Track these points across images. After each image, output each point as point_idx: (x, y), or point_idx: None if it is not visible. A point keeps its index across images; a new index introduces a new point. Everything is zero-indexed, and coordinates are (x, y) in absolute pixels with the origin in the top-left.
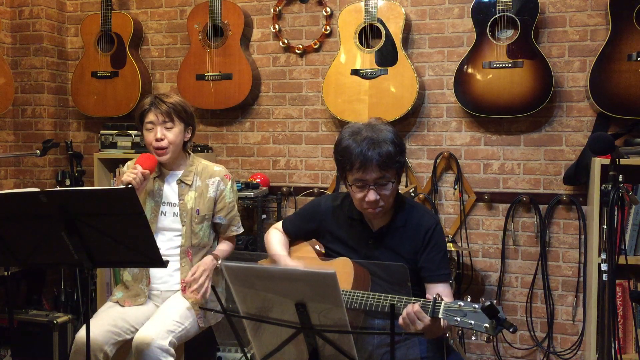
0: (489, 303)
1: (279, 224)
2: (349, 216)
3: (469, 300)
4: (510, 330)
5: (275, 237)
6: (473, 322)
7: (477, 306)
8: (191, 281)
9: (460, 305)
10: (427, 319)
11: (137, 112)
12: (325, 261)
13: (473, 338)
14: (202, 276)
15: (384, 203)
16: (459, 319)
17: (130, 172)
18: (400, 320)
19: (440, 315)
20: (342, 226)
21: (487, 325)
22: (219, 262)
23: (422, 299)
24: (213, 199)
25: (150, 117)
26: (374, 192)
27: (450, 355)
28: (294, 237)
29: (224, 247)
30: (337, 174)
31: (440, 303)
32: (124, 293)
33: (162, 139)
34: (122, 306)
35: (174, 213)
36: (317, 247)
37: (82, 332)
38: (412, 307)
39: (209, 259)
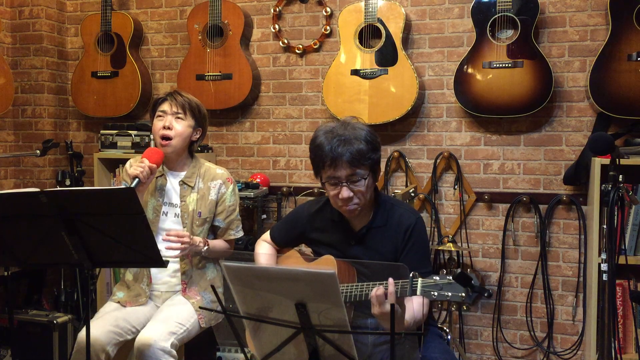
0: (460, 271)
1: (267, 235)
2: (331, 218)
3: (444, 273)
4: (485, 295)
5: (262, 250)
6: (450, 293)
7: (450, 277)
8: (172, 234)
9: (435, 279)
10: (387, 305)
11: (151, 101)
12: (310, 261)
13: (453, 308)
14: (184, 238)
15: (359, 200)
16: (436, 293)
17: (138, 166)
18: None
19: (418, 293)
20: (325, 229)
21: (462, 294)
22: (205, 248)
23: (401, 281)
24: (214, 201)
25: (164, 106)
26: (346, 189)
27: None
28: (282, 244)
29: (218, 241)
30: (314, 173)
31: (417, 281)
32: (125, 293)
33: (169, 128)
34: (124, 307)
35: (175, 214)
36: (307, 251)
37: (84, 332)
38: (375, 291)
39: (199, 239)
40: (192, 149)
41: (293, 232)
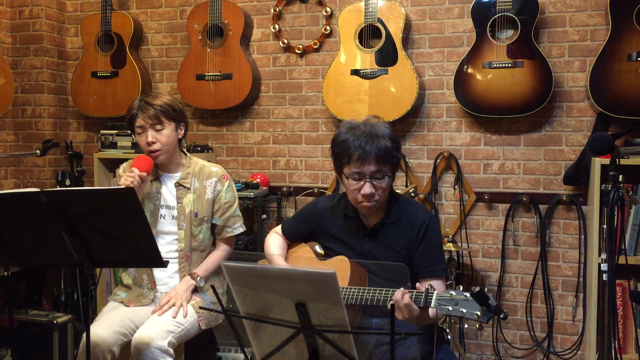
0: (479, 289)
1: (279, 228)
2: (345, 214)
3: (460, 289)
4: (501, 316)
5: (273, 241)
6: (465, 310)
7: (467, 294)
8: (162, 306)
9: (451, 294)
10: (416, 310)
11: (126, 116)
12: (322, 261)
13: (466, 326)
14: (173, 300)
15: (379, 197)
16: (450, 307)
17: (128, 176)
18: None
19: (432, 305)
20: (338, 224)
21: (478, 312)
22: (198, 279)
23: (415, 290)
24: (211, 200)
25: (139, 121)
26: (369, 185)
27: (440, 347)
28: (293, 238)
29: (213, 257)
30: (334, 168)
31: (432, 293)
32: (127, 293)
33: (153, 142)
34: (127, 306)
35: (173, 216)
36: (317, 247)
37: (91, 332)
38: (402, 298)
39: (185, 281)
40: (181, 144)
41: (305, 227)
